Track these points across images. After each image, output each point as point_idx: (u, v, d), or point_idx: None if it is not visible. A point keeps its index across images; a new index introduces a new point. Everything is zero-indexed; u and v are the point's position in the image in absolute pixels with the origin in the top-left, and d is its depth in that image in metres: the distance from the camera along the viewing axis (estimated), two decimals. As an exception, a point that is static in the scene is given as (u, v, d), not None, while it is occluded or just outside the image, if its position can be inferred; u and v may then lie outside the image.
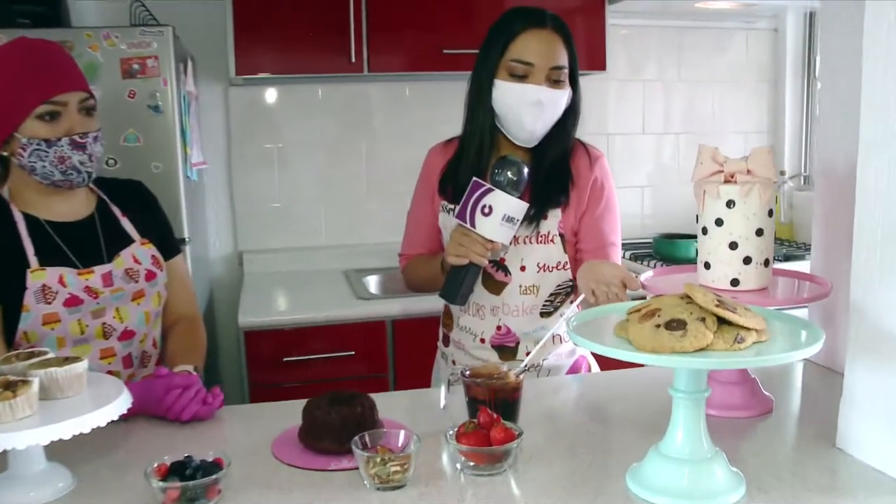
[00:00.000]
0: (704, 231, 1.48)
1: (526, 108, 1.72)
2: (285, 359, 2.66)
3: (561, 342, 1.90)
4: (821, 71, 1.72)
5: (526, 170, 1.67)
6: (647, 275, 1.62)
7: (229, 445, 1.38)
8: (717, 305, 1.07)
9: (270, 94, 3.36)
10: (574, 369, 1.95)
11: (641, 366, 1.17)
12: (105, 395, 1.21)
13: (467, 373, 1.41)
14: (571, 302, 1.87)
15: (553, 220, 1.81)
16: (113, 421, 1.18)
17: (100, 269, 1.62)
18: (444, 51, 2.97)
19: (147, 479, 1.12)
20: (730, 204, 1.42)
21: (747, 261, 1.44)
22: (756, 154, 1.42)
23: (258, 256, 3.38)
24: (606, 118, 3.72)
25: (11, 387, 1.12)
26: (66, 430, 1.11)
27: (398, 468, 1.18)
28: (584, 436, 1.39)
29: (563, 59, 1.73)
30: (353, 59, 2.92)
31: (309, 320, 2.68)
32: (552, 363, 1.91)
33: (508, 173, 1.65)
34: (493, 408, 1.32)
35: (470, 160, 1.82)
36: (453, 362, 1.96)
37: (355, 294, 2.89)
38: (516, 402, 1.39)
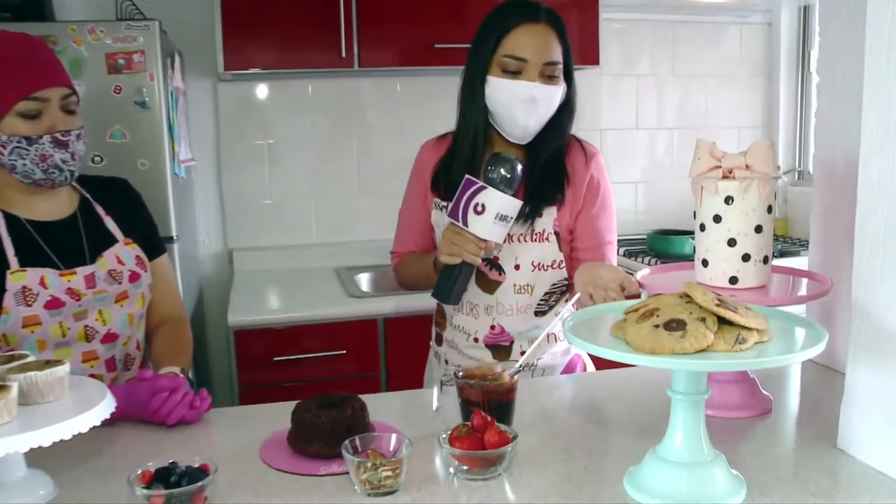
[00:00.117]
0: (702, 228, 1.45)
1: (519, 105, 1.69)
2: (276, 358, 2.62)
3: (556, 341, 1.88)
4: (819, 64, 1.69)
5: (520, 167, 1.64)
6: (642, 272, 1.59)
7: (217, 450, 1.35)
8: (717, 305, 1.04)
9: (260, 90, 3.33)
10: (569, 369, 1.92)
11: (638, 366, 1.14)
12: (87, 399, 1.18)
13: (460, 374, 1.38)
14: (566, 301, 1.84)
15: (548, 218, 1.78)
16: (96, 425, 1.14)
17: (82, 271, 1.59)
18: (436, 45, 2.94)
19: (130, 486, 1.09)
20: (728, 200, 1.39)
21: (746, 258, 1.41)
22: (755, 148, 1.39)
23: (248, 254, 3.35)
24: (599, 113, 3.70)
25: (-11, 392, 1.09)
26: (45, 436, 1.07)
27: (389, 473, 1.14)
28: (579, 437, 1.36)
29: (557, 55, 1.70)
30: (344, 54, 2.89)
31: (299, 319, 2.65)
32: (547, 362, 1.88)
33: (502, 170, 1.62)
34: (487, 410, 1.29)
35: (463, 157, 1.79)
36: (446, 362, 1.93)
37: (347, 292, 2.86)
38: (510, 403, 1.36)
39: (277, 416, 1.44)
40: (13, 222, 1.56)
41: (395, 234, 2.01)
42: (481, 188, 1.62)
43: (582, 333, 1.12)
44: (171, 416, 1.42)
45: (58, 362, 1.20)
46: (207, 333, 3.36)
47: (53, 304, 1.53)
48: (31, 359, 1.22)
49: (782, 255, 3.21)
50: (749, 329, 1.04)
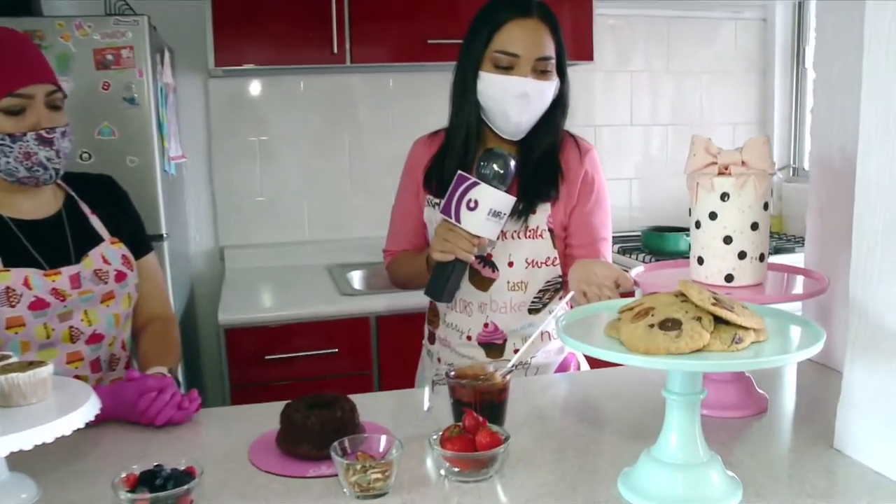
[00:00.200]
0: (697, 225, 1.43)
1: (511, 101, 1.67)
2: (267, 357, 2.60)
3: (549, 339, 1.86)
4: (815, 60, 1.67)
5: (513, 162, 1.62)
6: (637, 270, 1.57)
7: (205, 451, 1.33)
8: (713, 304, 1.02)
9: (251, 86, 3.30)
10: (563, 367, 1.90)
11: (633, 365, 1.12)
12: (71, 401, 1.15)
13: (452, 374, 1.36)
14: (560, 298, 1.83)
15: (542, 215, 1.76)
16: (83, 426, 1.12)
17: (67, 271, 1.56)
18: (429, 41, 2.92)
19: (114, 490, 1.07)
20: (724, 197, 1.37)
21: (742, 255, 1.39)
22: (751, 145, 1.37)
23: (240, 252, 3.32)
24: (594, 109, 3.68)
25: (-30, 394, 1.06)
26: (27, 440, 1.05)
27: (379, 475, 1.12)
28: (573, 438, 1.34)
29: (550, 50, 1.68)
30: (336, 50, 2.87)
31: (291, 317, 2.63)
32: (540, 361, 1.86)
33: (494, 166, 1.60)
34: (479, 410, 1.27)
35: (455, 154, 1.77)
36: (439, 360, 1.91)
37: (339, 290, 2.84)
38: (503, 403, 1.34)
39: (268, 416, 1.41)
40: None
41: (387, 232, 1.99)
42: (474, 184, 1.60)
43: (576, 333, 1.10)
44: (160, 417, 1.40)
45: (41, 363, 1.17)
46: (199, 332, 3.34)
47: (38, 305, 1.50)
48: (13, 360, 1.20)
49: (777, 251, 3.20)
50: (746, 328, 1.02)
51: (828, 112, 1.61)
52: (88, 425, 1.14)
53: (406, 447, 1.19)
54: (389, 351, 2.69)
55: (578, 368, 1.94)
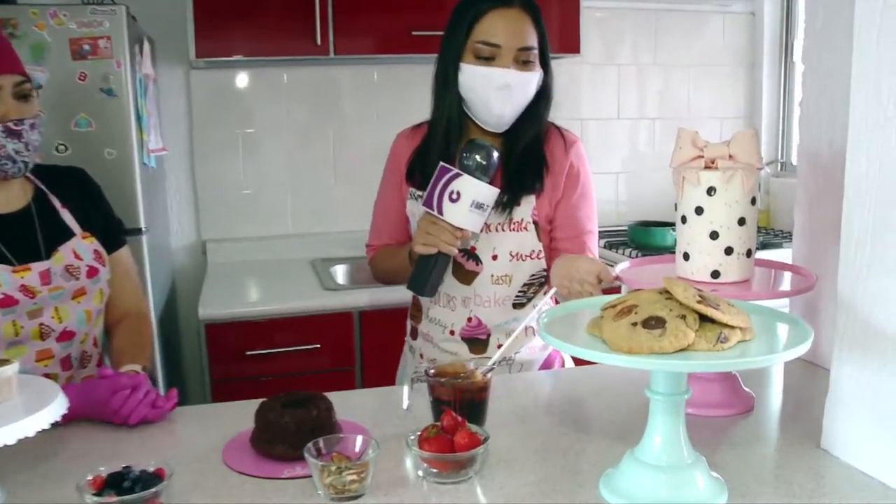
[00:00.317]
0: (683, 220, 1.40)
1: (493, 92, 1.64)
2: (248, 352, 2.56)
3: (534, 335, 1.83)
4: (804, 51, 1.65)
5: (496, 154, 1.60)
6: (622, 266, 1.54)
7: (179, 450, 1.30)
8: (698, 302, 0.99)
9: (234, 78, 3.25)
10: (547, 364, 1.87)
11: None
12: (36, 401, 1.11)
13: (431, 371, 1.33)
14: (545, 293, 1.80)
15: (527, 207, 1.73)
16: (52, 426, 1.08)
17: (37, 266, 1.51)
18: (414, 32, 2.87)
19: (80, 492, 1.03)
20: (710, 191, 1.34)
21: (729, 251, 1.36)
22: (739, 138, 1.34)
23: (222, 246, 3.27)
24: (580, 103, 3.65)
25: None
26: (-12, 441, 1.01)
27: (355, 477, 1.09)
28: (556, 437, 1.31)
29: (532, 40, 1.65)
30: (319, 42, 2.82)
31: (272, 312, 2.59)
32: (525, 357, 1.83)
33: (477, 157, 1.58)
34: (459, 409, 1.24)
35: (437, 146, 1.74)
36: (421, 356, 1.88)
37: (322, 284, 2.80)
38: (483, 402, 1.31)
39: (246, 414, 1.36)
40: None
41: (370, 226, 1.95)
42: (456, 175, 1.57)
43: (557, 331, 1.07)
44: (133, 416, 1.36)
45: (5, 361, 1.13)
46: (180, 327, 3.30)
47: (6, 303, 1.45)
48: (-24, 358, 1.16)
49: (764, 246, 3.19)
50: (731, 327, 0.99)
51: (816, 104, 1.58)
52: (57, 425, 1.11)
53: (384, 447, 1.17)
54: (373, 347, 2.66)
55: (563, 365, 1.91)
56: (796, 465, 1.19)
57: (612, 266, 1.54)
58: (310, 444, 1.13)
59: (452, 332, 1.80)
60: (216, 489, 1.15)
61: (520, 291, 1.78)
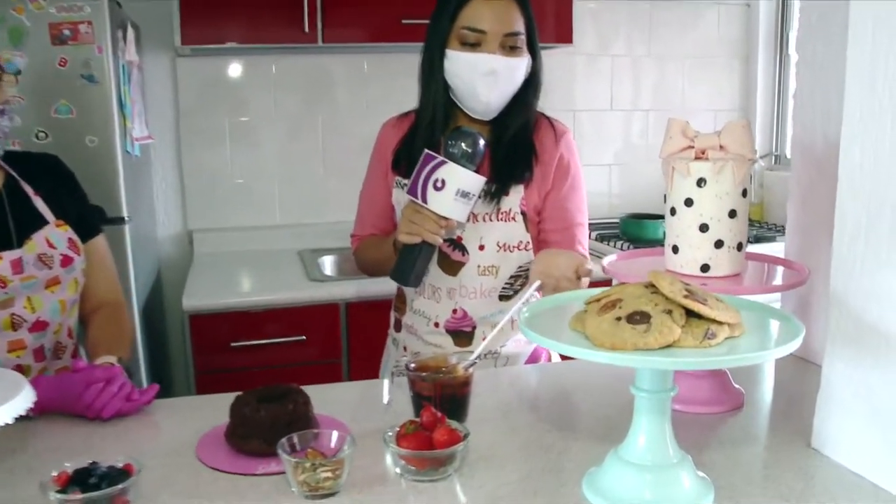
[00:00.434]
0: (673, 212, 1.36)
1: (479, 79, 1.60)
2: (233, 344, 2.52)
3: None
4: (798, 42, 1.61)
5: (482, 141, 1.56)
6: (609, 258, 1.50)
7: (153, 445, 1.26)
8: (685, 296, 0.95)
9: (222, 67, 3.19)
10: (534, 357, 1.84)
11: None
12: (1, 394, 1.07)
13: (412, 366, 1.29)
14: (531, 285, 1.76)
15: (515, 197, 1.70)
16: (22, 418, 1.04)
17: (8, 255, 1.47)
18: (403, 21, 2.82)
19: (43, 490, 0.99)
20: (700, 182, 1.30)
21: (719, 244, 1.33)
22: (730, 128, 1.30)
23: (209, 236, 3.23)
24: (573, 94, 3.61)
25: None
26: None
27: (329, 474, 1.06)
28: (539, 434, 1.28)
29: (519, 25, 1.61)
30: (307, 30, 2.77)
31: (258, 303, 2.55)
32: (510, 350, 1.80)
33: (462, 145, 1.54)
34: (440, 404, 1.21)
35: (423, 134, 1.70)
36: (404, 349, 1.84)
37: (308, 276, 2.76)
38: (465, 397, 1.28)
39: (223, 407, 1.31)
40: None
41: (355, 216, 1.92)
42: (441, 163, 1.53)
43: (539, 325, 1.03)
44: (107, 409, 1.32)
45: (-31, 353, 1.09)
46: (166, 317, 3.25)
47: None
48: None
49: (758, 240, 3.16)
50: (719, 323, 0.95)
51: (810, 96, 1.55)
52: (29, 418, 1.07)
53: (362, 443, 1.13)
54: (359, 339, 2.62)
55: (550, 359, 1.88)
56: (786, 465, 1.16)
57: (600, 258, 1.50)
58: (283, 440, 1.09)
59: (437, 325, 1.77)
60: (187, 485, 1.12)
61: (506, 283, 1.75)
